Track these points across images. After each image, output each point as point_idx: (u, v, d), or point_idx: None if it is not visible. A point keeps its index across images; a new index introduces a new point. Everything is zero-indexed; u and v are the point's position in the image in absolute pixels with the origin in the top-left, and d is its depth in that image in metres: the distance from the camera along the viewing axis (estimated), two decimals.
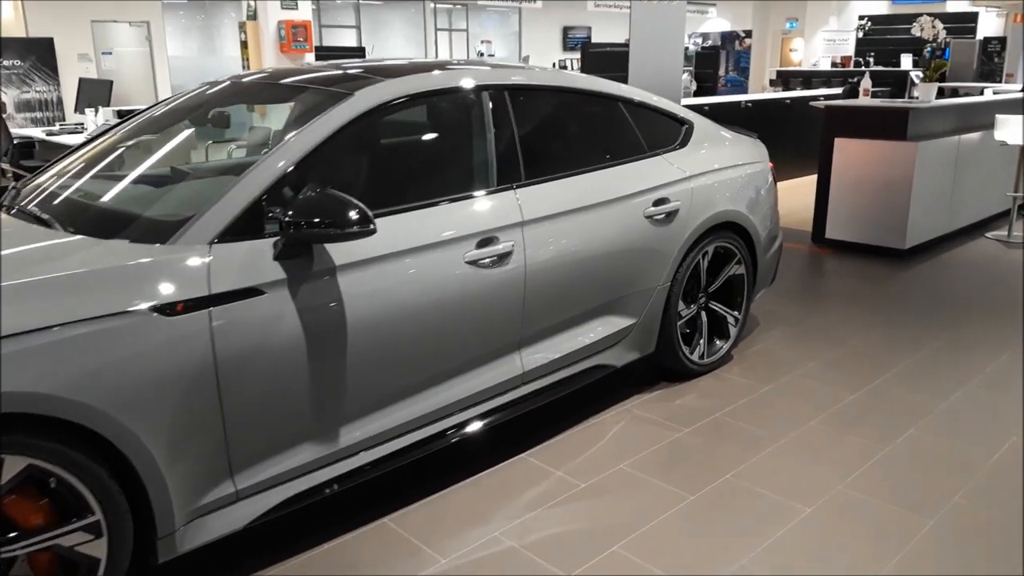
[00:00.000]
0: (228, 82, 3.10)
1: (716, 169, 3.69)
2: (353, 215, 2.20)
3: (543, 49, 21.51)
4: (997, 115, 6.38)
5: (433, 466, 2.91)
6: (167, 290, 2.02)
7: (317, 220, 2.18)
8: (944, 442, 3.15)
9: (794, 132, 9.31)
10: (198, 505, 2.14)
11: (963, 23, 17.45)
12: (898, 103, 5.90)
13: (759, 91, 17.32)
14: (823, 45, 21.57)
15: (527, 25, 21.41)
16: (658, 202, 3.35)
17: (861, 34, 19.42)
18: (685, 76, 13.28)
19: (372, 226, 2.23)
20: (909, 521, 2.63)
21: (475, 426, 2.80)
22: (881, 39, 18.59)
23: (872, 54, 18.08)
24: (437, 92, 2.84)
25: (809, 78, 17.06)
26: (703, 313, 3.76)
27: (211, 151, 4.16)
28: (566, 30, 22.02)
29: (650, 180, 3.37)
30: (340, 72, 2.89)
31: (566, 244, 2.98)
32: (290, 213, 2.18)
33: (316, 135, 2.42)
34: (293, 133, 2.43)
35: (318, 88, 2.72)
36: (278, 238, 2.24)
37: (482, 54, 20.76)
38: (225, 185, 2.26)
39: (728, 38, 13.41)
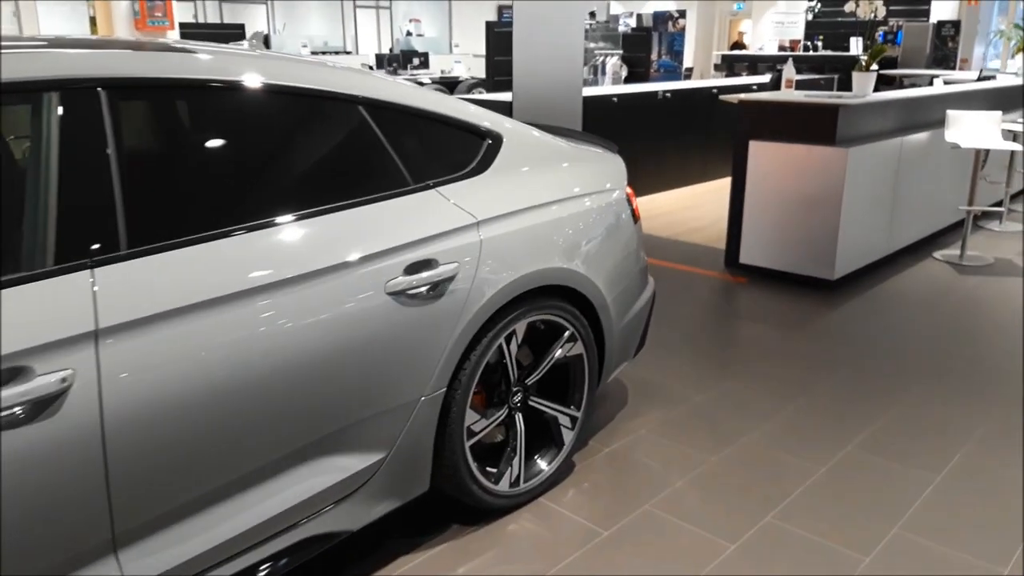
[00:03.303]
0: None
1: (531, 207, 2.43)
2: None
3: (478, 29, 20.07)
4: (948, 111, 5.23)
5: None
6: None
7: None
8: None
9: (721, 126, 8.18)
10: None
11: (916, 5, 16.49)
12: (825, 97, 4.71)
13: (699, 78, 16.22)
14: (772, 27, 20.50)
15: (458, 3, 19.94)
16: (414, 267, 2.09)
17: (810, 16, 18.39)
18: (615, 60, 12.08)
19: None
20: None
21: None
22: (831, 22, 17.60)
23: (821, 37, 17.07)
24: None
25: (755, 63, 15.96)
26: (519, 417, 2.53)
27: None
28: (501, 9, 20.59)
29: (401, 233, 2.10)
30: None
31: (203, 360, 1.70)
32: None
33: None
34: None
35: None
36: None
37: (410, 34, 19.25)
38: None
39: (660, 19, 12.17)
